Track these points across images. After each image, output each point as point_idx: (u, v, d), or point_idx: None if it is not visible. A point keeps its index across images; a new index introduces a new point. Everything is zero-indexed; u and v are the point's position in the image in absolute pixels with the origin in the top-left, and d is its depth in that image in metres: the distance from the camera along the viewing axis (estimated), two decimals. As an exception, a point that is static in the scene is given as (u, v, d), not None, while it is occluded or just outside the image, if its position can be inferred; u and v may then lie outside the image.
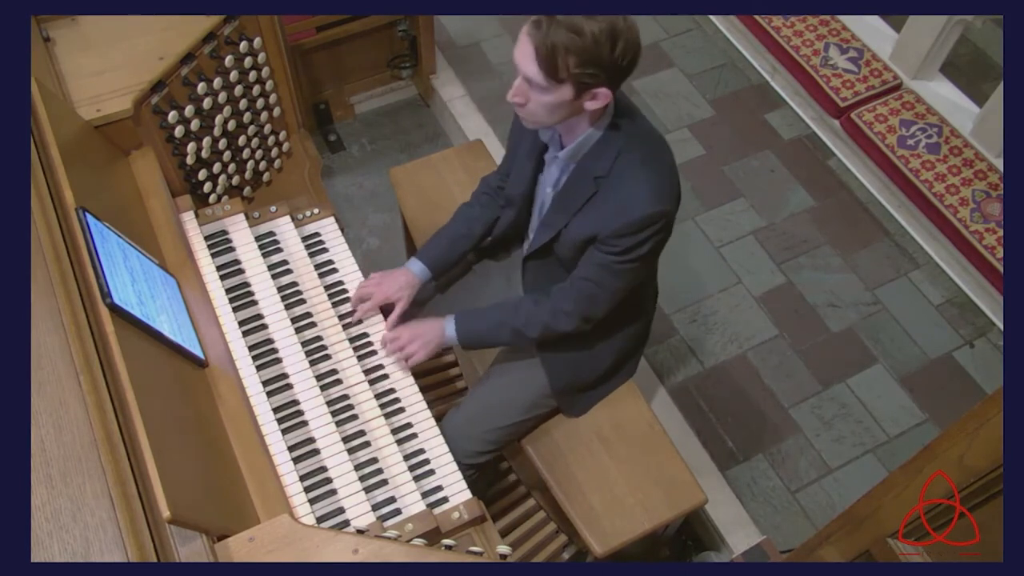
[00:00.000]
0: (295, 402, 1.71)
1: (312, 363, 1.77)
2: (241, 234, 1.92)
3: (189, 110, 1.87)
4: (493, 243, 1.98)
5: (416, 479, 1.67)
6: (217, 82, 1.90)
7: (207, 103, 1.91)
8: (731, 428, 2.61)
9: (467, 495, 1.67)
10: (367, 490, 1.63)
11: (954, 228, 2.80)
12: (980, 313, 2.85)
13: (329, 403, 1.72)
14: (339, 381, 1.77)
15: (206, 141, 1.95)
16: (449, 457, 1.73)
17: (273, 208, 2.00)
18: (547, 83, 1.43)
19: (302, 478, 1.60)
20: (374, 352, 1.86)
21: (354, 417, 1.73)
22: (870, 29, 3.32)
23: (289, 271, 1.92)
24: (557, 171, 1.68)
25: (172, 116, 1.85)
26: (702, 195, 3.13)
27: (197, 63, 1.86)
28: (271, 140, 2.18)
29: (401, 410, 1.78)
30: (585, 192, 1.59)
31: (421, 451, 1.73)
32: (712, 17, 3.64)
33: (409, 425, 1.76)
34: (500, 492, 2.26)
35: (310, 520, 1.54)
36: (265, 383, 1.70)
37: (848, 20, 3.34)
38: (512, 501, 2.26)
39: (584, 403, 1.98)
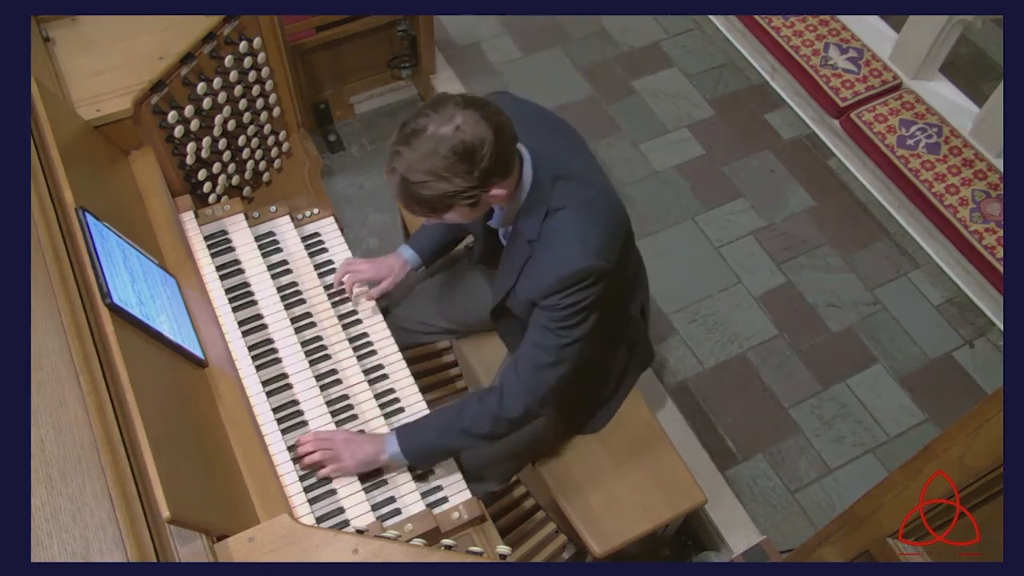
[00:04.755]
0: (295, 402, 1.71)
1: (312, 363, 1.77)
2: (241, 234, 1.92)
3: (189, 110, 1.87)
4: (479, 260, 1.96)
5: (416, 479, 1.67)
6: (217, 82, 1.90)
7: (207, 103, 1.91)
8: (731, 428, 2.61)
9: (467, 495, 1.67)
10: (367, 490, 1.63)
11: (954, 228, 2.80)
12: (980, 313, 2.85)
13: (329, 403, 1.72)
14: (339, 381, 1.77)
15: (206, 141, 1.95)
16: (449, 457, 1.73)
17: (273, 208, 2.00)
18: (439, 216, 1.43)
19: (302, 478, 1.60)
20: (374, 352, 1.85)
21: (354, 417, 1.73)
22: (870, 29, 3.32)
23: (289, 271, 1.92)
24: (499, 227, 1.65)
25: (172, 116, 1.85)
26: (702, 195, 3.13)
27: (197, 63, 1.86)
28: (271, 140, 2.18)
29: (401, 410, 1.78)
30: (522, 255, 1.54)
31: (421, 451, 1.73)
32: (712, 17, 3.64)
33: (409, 425, 1.76)
34: (500, 493, 2.26)
35: (310, 520, 1.54)
36: (265, 383, 1.70)
37: (848, 20, 3.33)
38: (512, 501, 2.26)
39: (603, 417, 1.97)
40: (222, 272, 1.84)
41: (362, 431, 1.70)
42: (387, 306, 2.04)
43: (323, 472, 1.61)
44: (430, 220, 1.46)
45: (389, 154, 1.37)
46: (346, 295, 1.92)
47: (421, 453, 1.64)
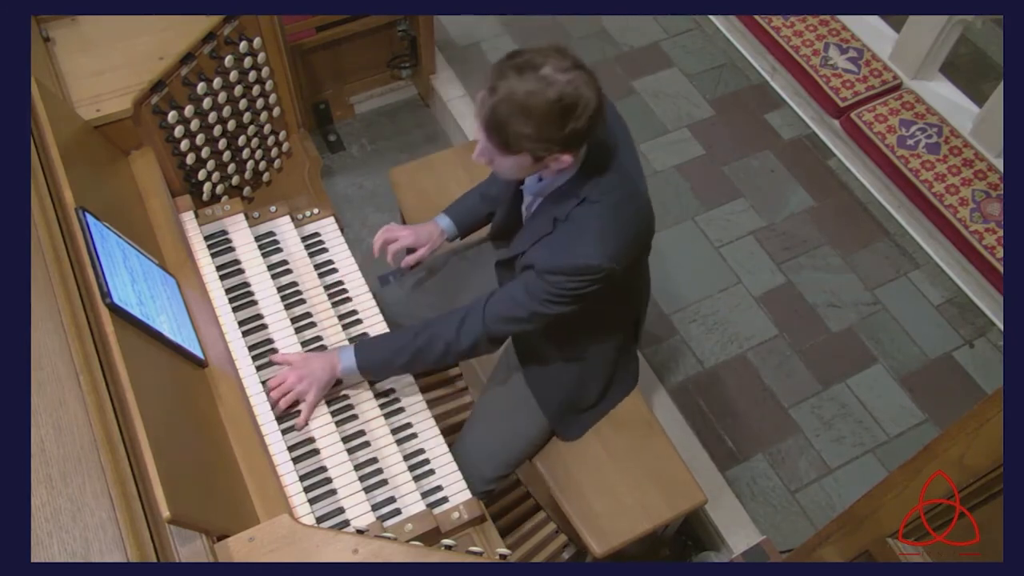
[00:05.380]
0: (295, 402, 1.70)
1: (312, 363, 1.77)
2: (241, 234, 1.92)
3: (189, 110, 1.87)
4: (494, 234, 1.97)
5: (416, 479, 1.67)
6: (217, 82, 1.90)
7: (207, 103, 1.91)
8: (731, 428, 2.61)
9: (467, 495, 1.67)
10: (367, 490, 1.63)
11: (954, 228, 2.80)
12: (980, 313, 2.85)
13: (328, 403, 1.72)
14: (339, 380, 1.77)
15: (206, 141, 1.94)
16: (449, 457, 1.73)
17: (273, 208, 2.00)
18: (503, 153, 1.42)
19: (302, 478, 1.60)
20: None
21: (354, 417, 1.73)
22: (870, 29, 3.32)
23: (289, 271, 1.92)
24: (530, 195, 1.68)
25: (172, 116, 1.85)
26: (702, 195, 3.13)
27: (197, 63, 1.86)
28: (271, 140, 2.18)
29: (401, 410, 1.78)
30: (544, 229, 1.57)
31: (421, 451, 1.73)
32: (712, 17, 3.64)
33: (409, 425, 1.76)
34: (499, 492, 2.26)
35: (310, 520, 1.54)
36: (265, 383, 1.70)
37: (848, 20, 3.34)
38: (512, 501, 2.26)
39: (582, 425, 1.97)
40: (222, 272, 1.84)
41: (319, 349, 1.78)
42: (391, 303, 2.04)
43: (300, 420, 1.67)
44: (483, 158, 1.47)
45: (493, 74, 1.36)
46: (347, 294, 1.92)
47: (375, 370, 1.73)
